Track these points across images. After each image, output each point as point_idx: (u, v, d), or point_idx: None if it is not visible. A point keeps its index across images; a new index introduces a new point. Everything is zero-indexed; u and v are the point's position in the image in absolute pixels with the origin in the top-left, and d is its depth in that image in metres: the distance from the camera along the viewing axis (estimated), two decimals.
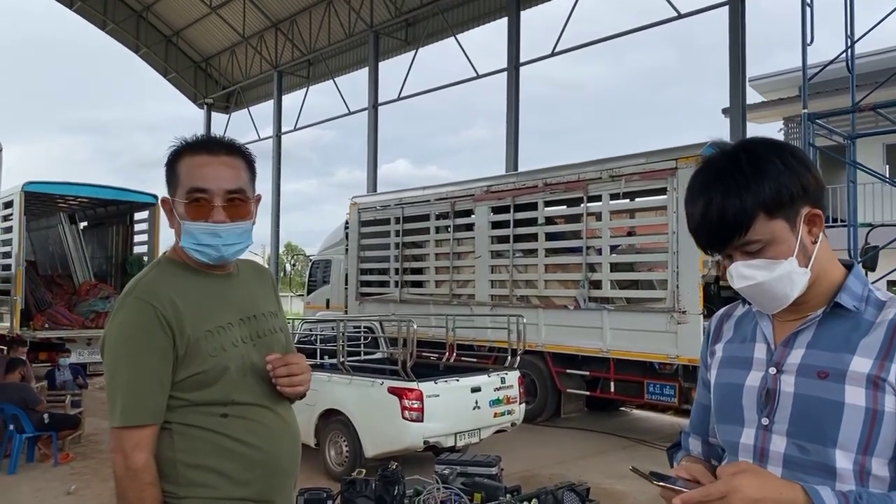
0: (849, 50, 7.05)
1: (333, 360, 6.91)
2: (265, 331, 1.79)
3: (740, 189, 1.23)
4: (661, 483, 1.23)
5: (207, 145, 1.71)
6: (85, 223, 14.20)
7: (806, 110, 6.79)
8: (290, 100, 24.74)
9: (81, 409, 8.30)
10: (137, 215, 13.23)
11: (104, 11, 25.39)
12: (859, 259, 7.10)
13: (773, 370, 1.30)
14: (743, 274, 1.27)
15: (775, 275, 1.24)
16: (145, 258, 12.91)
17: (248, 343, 1.72)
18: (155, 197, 12.30)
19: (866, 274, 7.90)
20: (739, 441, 1.33)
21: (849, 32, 7.08)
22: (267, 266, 1.93)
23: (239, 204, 1.69)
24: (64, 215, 13.17)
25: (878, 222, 10.56)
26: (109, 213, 13.57)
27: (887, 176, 14.48)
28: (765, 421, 1.29)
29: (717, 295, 9.26)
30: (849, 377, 1.21)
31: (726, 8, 12.84)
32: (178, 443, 1.63)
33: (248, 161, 1.76)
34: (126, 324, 1.63)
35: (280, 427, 1.74)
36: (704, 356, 1.51)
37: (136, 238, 13.42)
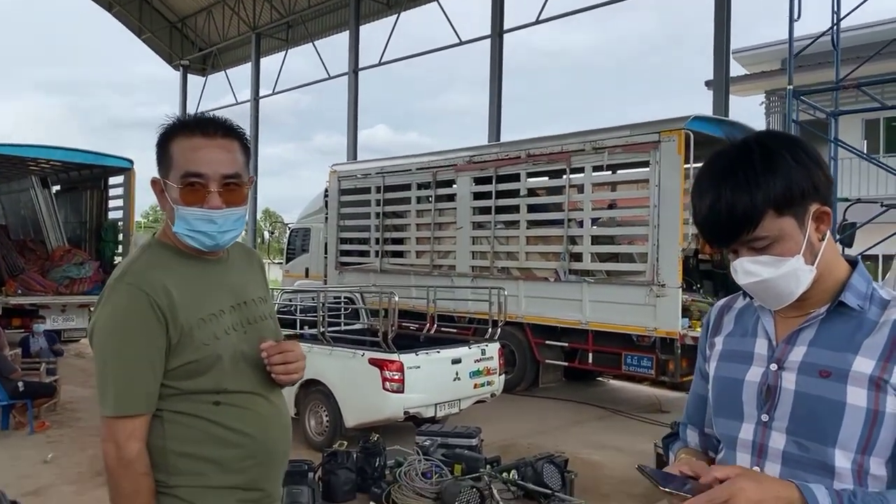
0: (834, 26, 7.03)
1: (314, 331, 6.88)
2: (256, 317, 1.75)
3: (751, 185, 1.20)
4: (668, 489, 1.20)
5: (203, 126, 1.63)
6: (58, 187, 13.91)
7: (790, 86, 6.78)
8: (269, 63, 24.31)
9: (57, 378, 8.20)
10: (112, 180, 12.98)
11: None
12: (837, 235, 7.19)
13: (774, 367, 1.29)
14: (748, 270, 1.25)
15: (781, 272, 1.23)
16: (120, 224, 12.72)
17: (239, 330, 1.69)
18: (130, 162, 12.06)
19: (843, 250, 8.01)
20: (738, 436, 1.32)
21: (835, 8, 7.05)
22: (254, 249, 1.87)
23: (234, 189, 1.64)
24: (36, 179, 12.87)
25: (854, 197, 10.69)
26: (83, 177, 13.29)
27: (865, 150, 14.65)
28: (764, 417, 1.29)
29: (696, 268, 9.36)
30: (851, 377, 1.21)
31: None
32: (169, 431, 1.60)
33: (244, 143, 1.69)
34: (117, 311, 1.58)
35: (272, 414, 1.72)
36: (703, 347, 1.49)
37: (111, 203, 13.18)
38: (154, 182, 1.68)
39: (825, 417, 1.21)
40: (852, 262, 1.32)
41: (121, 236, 12.73)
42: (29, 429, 7.02)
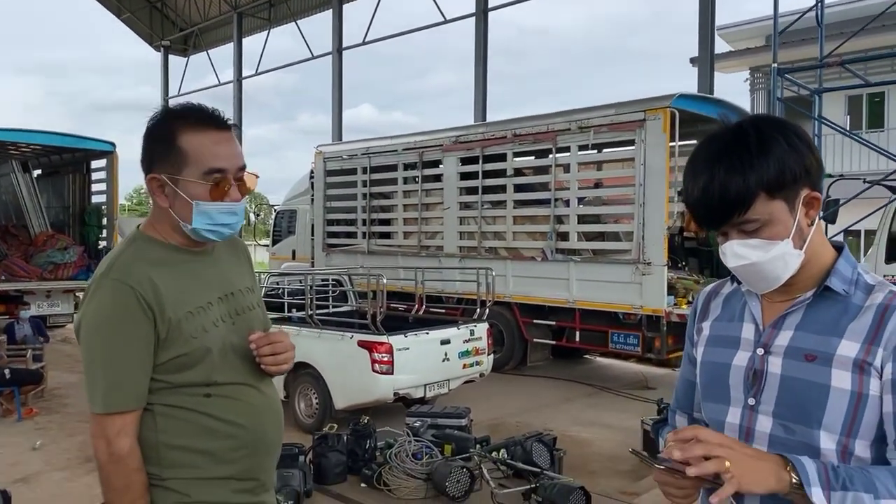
0: (819, 2, 7.03)
1: (301, 314, 6.88)
2: (243, 308, 1.75)
3: (745, 167, 1.21)
4: (660, 466, 1.21)
5: (215, 120, 1.61)
6: (39, 171, 13.72)
7: (775, 64, 6.79)
8: (251, 43, 23.97)
9: (44, 364, 8.17)
10: (94, 163, 12.81)
11: None
12: (821, 212, 7.24)
13: (760, 351, 1.31)
14: (737, 253, 1.26)
15: (770, 255, 1.24)
16: (104, 208, 12.58)
17: (227, 322, 1.68)
18: (112, 145, 11.90)
19: (826, 227, 8.09)
20: (725, 420, 1.34)
21: None
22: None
23: (244, 180, 1.65)
24: (16, 163, 12.68)
25: (837, 173, 10.78)
26: (65, 160, 13.11)
27: (848, 127, 14.74)
28: (751, 401, 1.31)
29: (681, 246, 9.42)
30: (836, 361, 1.23)
31: None
32: (161, 424, 1.60)
33: (239, 134, 1.70)
34: (104, 307, 1.56)
35: (263, 404, 1.72)
36: (691, 333, 1.51)
37: (94, 187, 13.02)
38: (153, 179, 1.62)
39: (810, 400, 1.23)
40: (838, 248, 1.33)
41: (105, 220, 12.60)
42: (17, 416, 6.99)
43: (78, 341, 1.62)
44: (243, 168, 1.65)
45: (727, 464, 1.11)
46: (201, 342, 1.61)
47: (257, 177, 1.69)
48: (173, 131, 1.60)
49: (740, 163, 1.22)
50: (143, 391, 1.57)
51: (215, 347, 1.63)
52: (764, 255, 1.24)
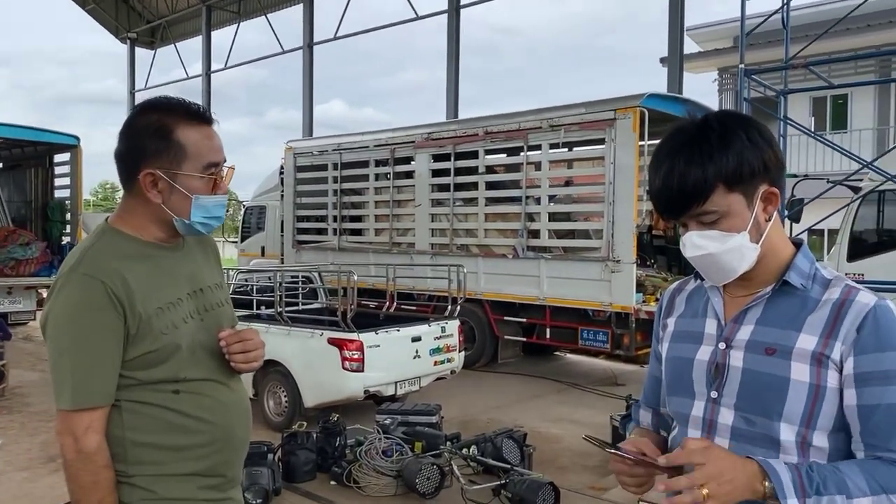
0: (785, 6, 7.16)
1: (271, 311, 6.81)
2: (212, 304, 1.73)
3: (704, 159, 1.24)
4: (610, 450, 1.28)
5: (202, 115, 1.63)
6: (0, 165, 13.38)
7: (742, 65, 6.90)
8: (220, 36, 23.68)
9: (4, 362, 7.96)
10: (58, 157, 12.52)
11: None
12: (786, 211, 7.38)
13: (722, 345, 1.34)
14: (695, 243, 1.29)
15: (726, 247, 1.27)
16: (67, 203, 12.31)
17: (196, 318, 1.67)
18: (76, 139, 11.64)
19: (791, 226, 8.25)
20: (690, 413, 1.37)
21: None
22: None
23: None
24: None
25: (802, 173, 11.00)
26: (27, 154, 12.79)
27: (812, 126, 15.05)
28: (714, 394, 1.33)
29: (650, 244, 9.54)
30: (795, 354, 1.25)
31: None
32: (128, 421, 1.57)
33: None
34: (73, 301, 1.53)
35: (232, 401, 1.70)
36: (657, 329, 1.53)
37: (57, 182, 12.73)
38: (148, 174, 1.59)
39: (771, 393, 1.26)
40: (797, 244, 1.36)
41: (68, 215, 12.33)
42: None
43: (44, 337, 1.58)
44: (225, 161, 1.68)
45: (704, 492, 1.14)
46: (171, 338, 1.59)
47: (233, 169, 1.71)
48: (169, 126, 1.58)
49: (700, 155, 1.25)
50: (111, 387, 1.55)
51: (184, 344, 1.61)
52: (721, 247, 1.27)
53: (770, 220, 1.30)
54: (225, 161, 1.67)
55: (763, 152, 1.26)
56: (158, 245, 1.66)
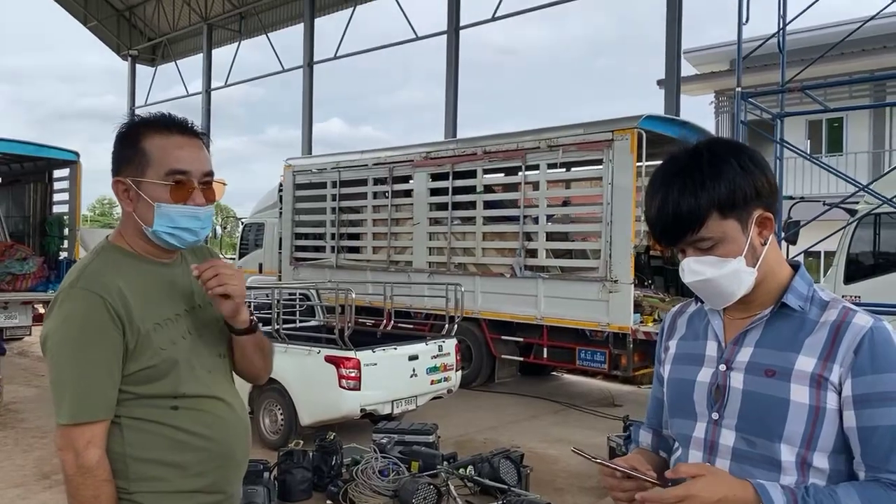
0: (781, 30, 7.24)
1: (268, 328, 6.79)
2: (210, 320, 1.73)
3: (696, 187, 1.27)
4: (599, 461, 1.30)
5: (180, 126, 1.62)
6: None
7: (739, 88, 6.97)
8: (221, 54, 23.84)
9: (0, 378, 7.93)
10: (57, 173, 12.51)
11: None
12: (783, 233, 7.42)
13: (723, 367, 1.36)
14: (693, 269, 1.31)
15: (723, 272, 1.29)
16: (66, 218, 12.31)
17: (194, 334, 1.67)
18: (76, 154, 11.67)
19: (788, 248, 8.28)
20: (692, 435, 1.38)
21: (781, 13, 7.27)
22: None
23: (210, 186, 1.65)
24: None
25: (799, 195, 11.06)
26: (26, 169, 12.80)
27: (808, 149, 15.15)
28: (715, 416, 1.34)
29: (648, 264, 9.56)
30: (794, 375, 1.27)
31: None
32: (128, 437, 1.57)
33: (207, 144, 1.71)
34: (73, 316, 1.53)
35: (231, 417, 1.70)
36: (659, 352, 1.55)
37: (56, 197, 12.71)
38: (118, 182, 1.62)
39: (771, 414, 1.27)
40: (795, 266, 1.38)
41: (66, 231, 12.32)
42: None
43: (43, 352, 1.59)
44: (209, 174, 1.64)
45: None
46: (169, 353, 1.59)
47: (225, 184, 1.69)
48: (138, 135, 1.60)
49: (693, 183, 1.27)
50: (111, 401, 1.55)
51: (182, 359, 1.62)
52: (718, 272, 1.29)
53: (766, 243, 1.32)
54: (207, 174, 1.63)
55: (755, 178, 1.29)
56: (154, 261, 1.67)
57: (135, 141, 1.60)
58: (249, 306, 7.47)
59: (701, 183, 1.26)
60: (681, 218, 1.27)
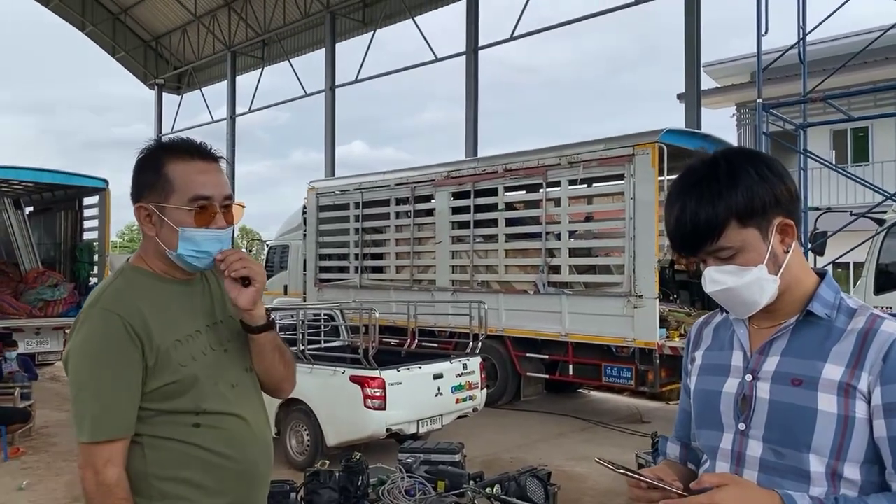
0: (801, 41, 7.21)
1: (293, 349, 6.84)
2: (232, 336, 1.75)
3: (714, 197, 1.27)
4: (623, 472, 1.29)
5: (201, 151, 1.66)
6: (31, 208, 13.71)
7: (760, 100, 6.93)
8: (245, 80, 24.28)
9: (32, 402, 8.06)
10: (87, 200, 12.81)
11: None
12: (809, 244, 7.32)
13: (749, 377, 1.34)
14: (714, 279, 1.30)
15: (745, 281, 1.28)
16: (95, 244, 12.56)
17: (217, 349, 1.69)
18: (105, 182, 11.93)
19: (815, 259, 8.16)
20: (719, 446, 1.36)
21: (801, 24, 7.24)
22: None
23: (230, 209, 1.70)
24: (8, 200, 12.68)
25: (825, 206, 10.91)
26: (57, 197, 13.12)
27: (833, 159, 14.96)
28: (742, 426, 1.33)
29: (672, 279, 9.47)
30: (821, 384, 1.25)
31: None
32: (150, 455, 1.59)
33: (225, 166, 1.76)
34: (93, 336, 1.57)
35: (252, 435, 1.71)
36: (685, 363, 1.54)
37: (86, 224, 13.01)
38: (141, 208, 1.65)
39: (799, 424, 1.25)
40: (821, 274, 1.37)
41: (96, 257, 12.57)
42: (3, 455, 6.88)
43: (66, 371, 1.62)
44: (229, 197, 1.69)
45: None
46: (190, 370, 1.62)
47: (244, 206, 1.75)
48: (160, 161, 1.64)
49: (710, 193, 1.27)
50: (131, 420, 1.58)
51: (204, 375, 1.64)
52: (739, 281, 1.28)
53: (788, 251, 1.30)
54: (227, 197, 1.67)
55: (773, 186, 1.28)
56: (173, 280, 1.70)
57: (157, 167, 1.63)
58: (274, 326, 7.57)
59: (718, 192, 1.26)
60: (699, 227, 1.27)
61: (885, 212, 8.54)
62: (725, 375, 1.38)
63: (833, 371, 1.24)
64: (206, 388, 1.63)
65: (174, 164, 1.63)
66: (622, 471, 1.29)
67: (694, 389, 1.45)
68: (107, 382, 1.55)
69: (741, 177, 1.27)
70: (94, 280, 12.39)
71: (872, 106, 14.99)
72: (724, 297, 1.32)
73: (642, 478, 1.28)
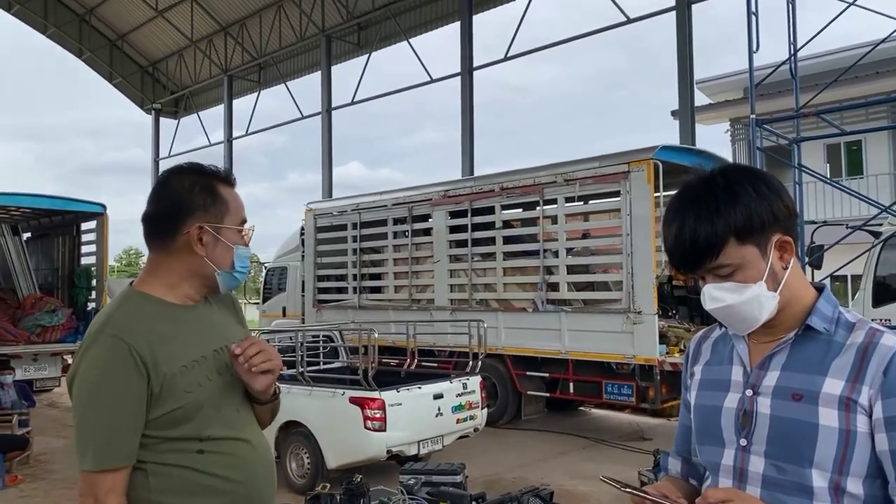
0: (792, 57, 7.28)
1: (292, 371, 6.82)
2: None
3: (712, 214, 1.27)
4: (629, 490, 1.28)
5: (230, 178, 1.80)
6: (28, 234, 13.71)
7: (753, 115, 6.99)
8: (241, 104, 24.44)
9: (29, 429, 8.00)
10: (84, 225, 12.82)
11: (45, 15, 24.61)
12: (806, 258, 7.34)
13: (749, 392, 1.34)
14: (714, 296, 1.31)
15: (744, 298, 1.28)
16: (93, 269, 12.55)
17: (223, 374, 1.70)
18: (103, 207, 11.95)
19: (812, 273, 8.18)
20: (721, 462, 1.36)
21: (791, 40, 7.32)
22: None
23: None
24: (6, 226, 12.68)
25: (820, 220, 10.95)
26: (54, 223, 13.13)
27: (827, 173, 15.04)
28: (743, 442, 1.33)
29: (671, 295, 9.47)
30: (822, 399, 1.25)
31: (674, 13, 13.13)
32: (154, 483, 1.59)
33: None
34: (98, 362, 1.57)
35: (256, 458, 1.71)
36: (685, 378, 1.54)
37: (84, 249, 13.00)
38: (199, 227, 1.69)
39: (800, 439, 1.25)
40: (819, 289, 1.37)
41: (94, 282, 12.55)
42: (1, 483, 6.82)
43: (70, 397, 1.62)
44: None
45: None
46: (195, 396, 1.62)
47: (253, 228, 1.87)
48: (214, 183, 1.73)
49: (708, 211, 1.28)
50: (133, 448, 1.57)
51: (209, 401, 1.64)
52: (738, 298, 1.28)
53: (787, 268, 1.31)
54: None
55: (771, 203, 1.29)
56: (181, 305, 1.71)
57: (213, 189, 1.72)
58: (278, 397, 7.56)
59: (716, 209, 1.27)
60: (698, 245, 1.27)
61: (880, 224, 8.57)
62: (726, 391, 1.38)
63: (833, 385, 1.24)
64: (210, 413, 1.64)
65: (223, 188, 1.74)
66: (628, 489, 1.29)
67: (694, 405, 1.45)
68: (110, 410, 1.55)
69: (739, 194, 1.28)
70: (91, 305, 12.35)
71: (865, 119, 15.11)
72: (723, 314, 1.32)
73: (647, 496, 1.28)
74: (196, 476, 1.60)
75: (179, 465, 1.60)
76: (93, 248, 12.53)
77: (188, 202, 1.69)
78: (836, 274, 7.32)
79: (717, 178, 1.31)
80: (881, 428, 1.21)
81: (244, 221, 1.78)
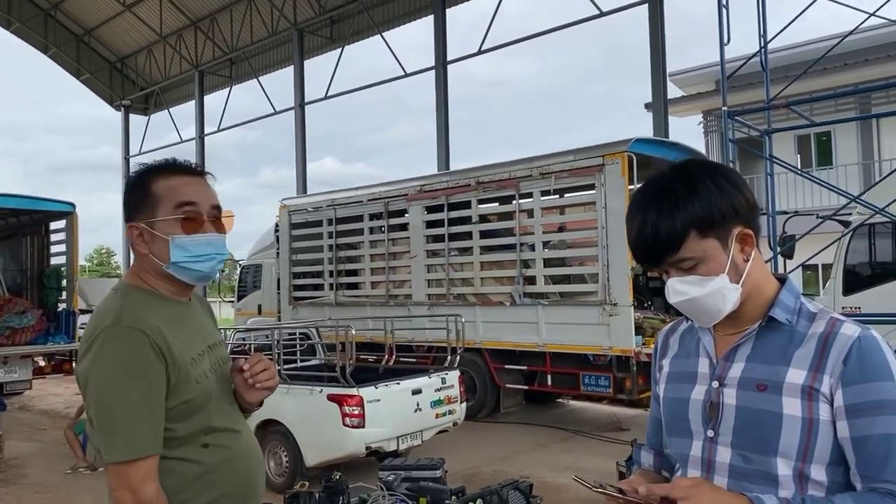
0: (762, 49, 7.36)
1: None
2: (221, 359, 1.80)
3: (672, 209, 1.29)
4: (599, 490, 1.29)
5: (185, 167, 1.73)
6: None
7: (725, 107, 7.06)
8: (213, 100, 24.11)
9: (0, 433, 7.85)
10: (53, 225, 12.56)
11: (8, 10, 24.08)
12: (778, 248, 7.44)
13: (715, 384, 1.36)
14: (677, 290, 1.32)
15: (707, 290, 1.30)
16: (63, 269, 12.31)
17: (218, 370, 1.75)
18: (72, 205, 11.71)
19: (785, 262, 8.30)
20: (689, 453, 1.38)
21: (762, 32, 7.40)
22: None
23: (219, 219, 1.74)
24: None
25: (792, 210, 11.11)
26: (22, 223, 12.84)
27: (798, 164, 15.27)
28: (710, 433, 1.35)
29: (646, 286, 9.56)
30: (785, 389, 1.27)
31: (646, 6, 13.22)
32: (162, 481, 1.58)
33: (211, 181, 1.81)
34: (121, 354, 1.56)
35: (249, 450, 1.77)
36: (654, 372, 1.56)
37: (53, 249, 12.74)
38: (132, 227, 1.68)
39: (765, 429, 1.27)
40: (782, 280, 1.39)
41: (64, 282, 12.31)
42: None
43: (83, 392, 1.60)
44: (218, 207, 1.73)
45: None
46: (205, 387, 1.66)
47: (232, 216, 1.76)
48: (146, 180, 1.69)
49: (669, 205, 1.29)
50: (161, 436, 1.59)
51: (213, 393, 1.69)
52: (701, 291, 1.30)
53: (749, 260, 1.33)
54: (215, 207, 1.73)
55: (731, 197, 1.30)
56: (175, 300, 1.73)
57: (144, 186, 1.68)
58: (250, 349, 7.48)
59: (676, 204, 1.28)
60: (660, 239, 1.29)
61: (850, 214, 8.72)
62: (693, 383, 1.40)
63: (796, 375, 1.27)
64: (215, 405, 1.68)
65: (159, 181, 1.68)
66: (598, 489, 1.29)
67: (663, 397, 1.47)
68: (139, 399, 1.55)
69: (699, 188, 1.29)
70: (62, 306, 12.12)
71: (834, 111, 15.35)
72: (687, 307, 1.34)
73: (620, 496, 1.28)
74: (200, 471, 1.64)
75: (185, 459, 1.62)
76: (62, 247, 12.28)
77: (126, 204, 1.71)
78: (807, 263, 7.42)
79: (678, 172, 1.33)
80: (842, 416, 1.23)
81: (185, 204, 1.66)
